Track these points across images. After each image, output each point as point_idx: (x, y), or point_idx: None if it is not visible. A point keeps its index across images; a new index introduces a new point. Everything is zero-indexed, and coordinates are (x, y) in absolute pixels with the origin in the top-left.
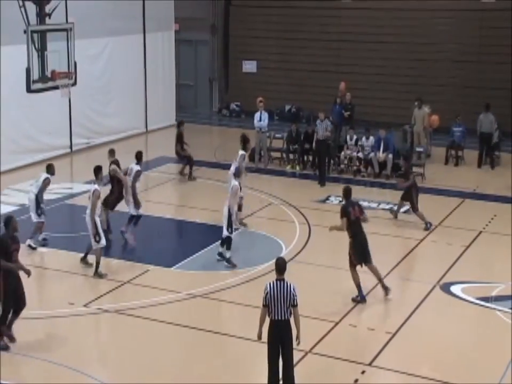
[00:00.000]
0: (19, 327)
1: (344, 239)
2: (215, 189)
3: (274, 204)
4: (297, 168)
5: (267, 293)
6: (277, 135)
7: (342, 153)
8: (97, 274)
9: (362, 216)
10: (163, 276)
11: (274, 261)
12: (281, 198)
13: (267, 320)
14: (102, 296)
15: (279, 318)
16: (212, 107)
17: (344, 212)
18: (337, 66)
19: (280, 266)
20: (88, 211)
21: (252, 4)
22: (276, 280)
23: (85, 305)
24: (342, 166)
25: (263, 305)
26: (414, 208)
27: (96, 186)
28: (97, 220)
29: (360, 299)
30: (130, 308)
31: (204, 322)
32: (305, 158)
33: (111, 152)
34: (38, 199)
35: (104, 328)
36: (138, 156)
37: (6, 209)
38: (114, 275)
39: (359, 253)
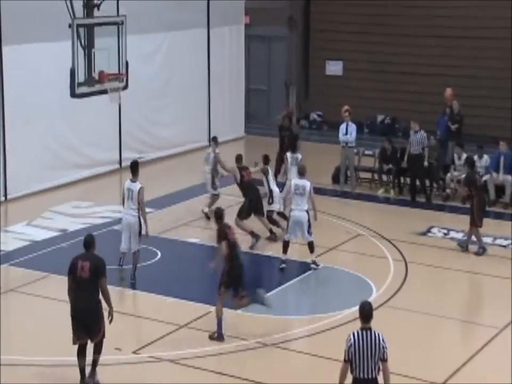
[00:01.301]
0: (53, 374)
1: (448, 281)
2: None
3: (363, 235)
4: (392, 192)
5: (350, 345)
6: (367, 152)
7: (448, 175)
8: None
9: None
10: (227, 320)
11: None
12: (371, 228)
13: (349, 377)
14: (154, 341)
15: (365, 376)
16: None
17: (221, 234)
18: (443, 68)
19: (366, 312)
20: (132, 211)
21: None
22: (361, 329)
23: (134, 352)
24: (448, 190)
25: (345, 360)
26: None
27: (140, 184)
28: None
29: (217, 336)
30: (186, 358)
31: (273, 378)
32: (402, 180)
33: (238, 159)
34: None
35: (156, 380)
36: (265, 160)
37: (45, 235)
38: (169, 317)
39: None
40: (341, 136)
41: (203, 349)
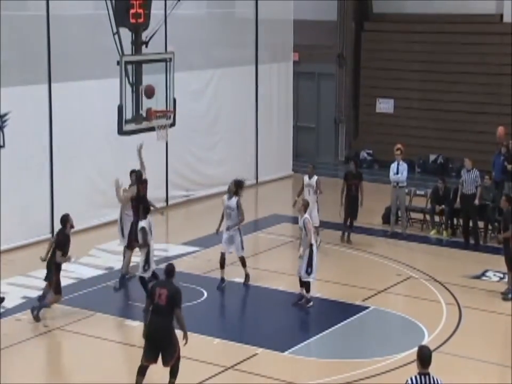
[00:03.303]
0: None
1: (503, 327)
2: (341, 257)
3: (414, 278)
4: (445, 234)
5: None
6: (419, 192)
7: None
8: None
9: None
10: (274, 362)
11: (415, 350)
12: (423, 271)
13: None
14: (202, 383)
15: None
16: (338, 155)
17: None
18: (498, 107)
19: (425, 357)
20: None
21: (389, 29)
22: (419, 374)
23: None
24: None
25: None
26: None
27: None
28: None
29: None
30: None
31: None
32: (455, 221)
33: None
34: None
35: None
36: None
37: (91, 273)
38: (215, 358)
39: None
40: (392, 176)
41: None
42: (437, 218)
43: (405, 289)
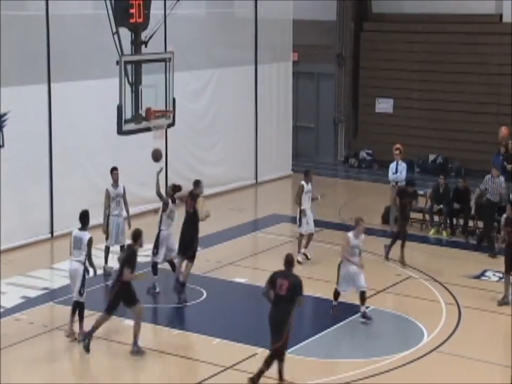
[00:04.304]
0: None
1: (502, 326)
2: (337, 256)
3: (414, 277)
4: (444, 233)
5: None
6: (418, 192)
7: (504, 216)
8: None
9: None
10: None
11: (414, 350)
12: (422, 271)
13: None
14: (201, 382)
15: None
16: (337, 155)
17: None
18: (498, 107)
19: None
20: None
21: (388, 29)
22: None
23: None
24: (503, 232)
25: None
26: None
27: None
28: None
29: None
30: None
31: None
32: (455, 221)
33: None
34: None
35: None
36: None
37: (91, 273)
38: (214, 358)
39: None
40: (391, 175)
41: None
42: (436, 218)
43: (404, 289)
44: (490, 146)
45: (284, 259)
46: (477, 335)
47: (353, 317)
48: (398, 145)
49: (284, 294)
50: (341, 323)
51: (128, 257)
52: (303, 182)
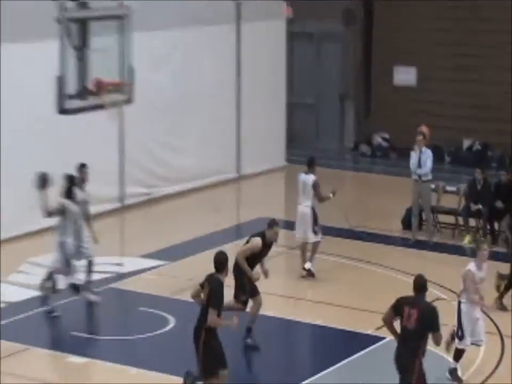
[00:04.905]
0: None
1: None
2: (350, 272)
3: (442, 299)
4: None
5: None
6: (449, 188)
7: None
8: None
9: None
10: None
11: None
12: (454, 290)
13: None
14: None
15: None
16: (344, 140)
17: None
18: None
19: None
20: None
21: None
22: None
23: None
24: None
25: None
26: None
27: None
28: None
29: None
30: None
31: None
32: (497, 225)
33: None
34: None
35: None
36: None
37: (21, 295)
38: None
39: None
40: (412, 167)
41: None
42: (472, 222)
43: None
44: None
45: (413, 281)
46: None
47: (364, 351)
48: (422, 128)
49: (412, 328)
50: (349, 359)
51: (215, 293)
52: (314, 176)
